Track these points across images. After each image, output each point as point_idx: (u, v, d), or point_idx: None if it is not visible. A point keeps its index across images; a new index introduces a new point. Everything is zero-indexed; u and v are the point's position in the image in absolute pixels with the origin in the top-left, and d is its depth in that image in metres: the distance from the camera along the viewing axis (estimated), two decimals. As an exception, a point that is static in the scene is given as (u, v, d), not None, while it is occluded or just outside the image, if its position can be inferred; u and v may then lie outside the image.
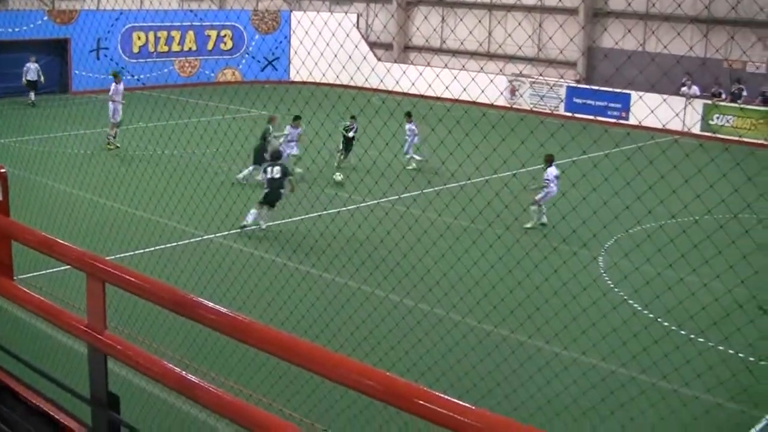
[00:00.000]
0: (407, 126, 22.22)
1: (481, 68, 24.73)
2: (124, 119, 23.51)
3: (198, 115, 25.25)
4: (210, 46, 37.33)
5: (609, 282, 13.89)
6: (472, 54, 32.23)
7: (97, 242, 13.36)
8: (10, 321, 9.34)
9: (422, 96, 18.97)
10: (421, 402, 3.00)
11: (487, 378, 9.61)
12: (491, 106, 22.45)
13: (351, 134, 21.65)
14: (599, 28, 34.51)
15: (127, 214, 15.71)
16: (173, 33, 35.94)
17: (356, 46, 33.87)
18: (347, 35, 29.03)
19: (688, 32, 30.95)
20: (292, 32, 38.23)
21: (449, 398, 2.94)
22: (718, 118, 29.41)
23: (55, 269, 11.42)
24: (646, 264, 12.90)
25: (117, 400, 4.09)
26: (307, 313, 10.65)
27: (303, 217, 16.16)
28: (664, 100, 21.07)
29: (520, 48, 32.99)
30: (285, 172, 16.16)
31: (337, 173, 20.31)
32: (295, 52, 38.05)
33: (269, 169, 16.11)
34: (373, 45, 38.39)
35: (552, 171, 17.19)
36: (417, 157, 22.20)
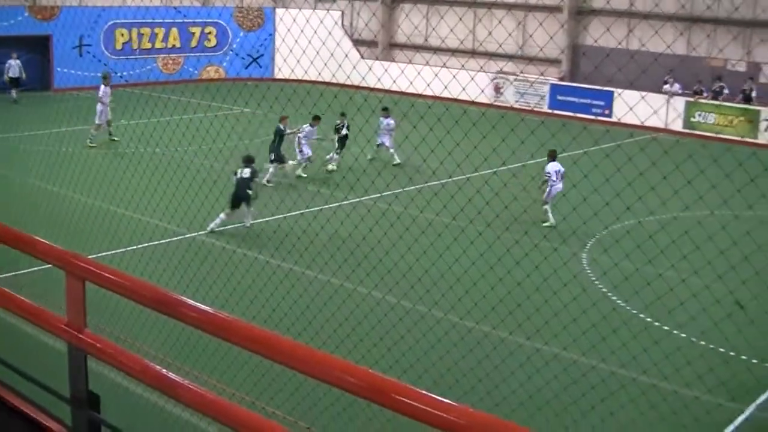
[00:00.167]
0: (386, 121, 22.25)
1: (462, 66, 24.77)
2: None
3: (180, 113, 25.16)
4: (194, 43, 37.18)
5: (592, 277, 14.00)
6: (453, 51, 32.29)
7: (79, 240, 13.30)
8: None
9: (405, 93, 19.01)
10: (403, 399, 3.02)
11: (470, 374, 9.68)
12: (473, 103, 22.51)
13: (344, 132, 21.62)
14: (583, 25, 34.69)
15: (109, 212, 15.64)
16: (157, 30, 35.76)
17: (338, 44, 33.83)
18: (329, 33, 28.98)
19: (670, 31, 31.19)
20: (275, 29, 38.16)
21: (432, 395, 2.97)
22: (699, 115, 29.66)
23: (36, 268, 11.37)
24: (626, 260, 13.03)
25: (97, 399, 4.08)
26: (290, 310, 10.67)
27: (285, 215, 16.17)
28: (643, 97, 21.20)
29: (500, 46, 33.07)
30: (254, 174, 16.14)
31: (331, 164, 20.77)
32: (277, 50, 38.00)
33: (239, 170, 16.11)
34: (357, 42, 38.36)
35: (553, 166, 17.17)
36: (382, 151, 22.36)
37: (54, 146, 21.68)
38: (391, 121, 22.19)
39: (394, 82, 18.93)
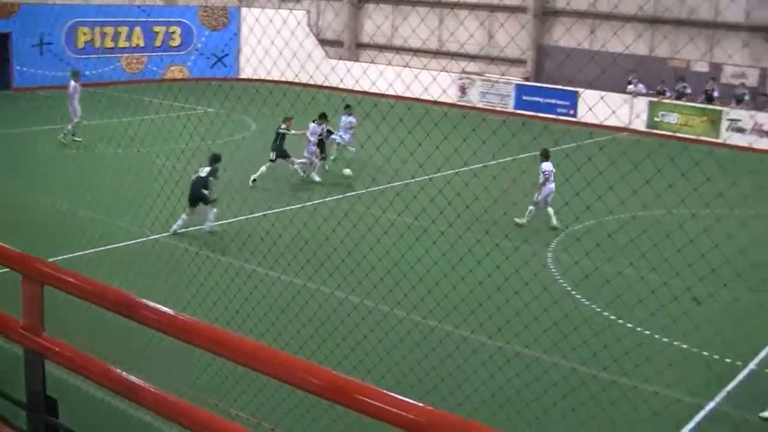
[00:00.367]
0: (347, 119, 22.24)
1: (425, 66, 24.86)
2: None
3: (143, 113, 24.93)
4: (158, 42, 36.84)
5: (556, 275, 14.15)
6: (415, 52, 32.37)
7: (41, 243, 13.12)
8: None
9: (368, 93, 19.03)
10: (366, 399, 3.04)
11: (432, 374, 9.74)
12: (435, 102, 22.62)
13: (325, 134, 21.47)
14: (548, 26, 34.99)
15: (72, 214, 15.46)
16: (120, 29, 35.38)
17: (301, 44, 33.75)
18: (292, 33, 28.90)
19: (631, 31, 31.58)
20: (240, 29, 37.95)
21: (394, 395, 2.99)
22: (662, 115, 30.12)
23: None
24: (586, 258, 13.19)
25: (55, 403, 4.04)
26: (252, 311, 10.63)
27: (248, 216, 16.10)
28: (602, 97, 21.49)
29: (462, 46, 33.24)
30: (212, 174, 15.95)
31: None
32: (240, 49, 37.80)
33: (200, 168, 15.93)
34: (324, 42, 38.29)
35: (547, 165, 17.14)
36: (351, 149, 22.32)
37: (15, 147, 21.37)
38: (353, 119, 22.19)
39: (357, 81, 18.96)
